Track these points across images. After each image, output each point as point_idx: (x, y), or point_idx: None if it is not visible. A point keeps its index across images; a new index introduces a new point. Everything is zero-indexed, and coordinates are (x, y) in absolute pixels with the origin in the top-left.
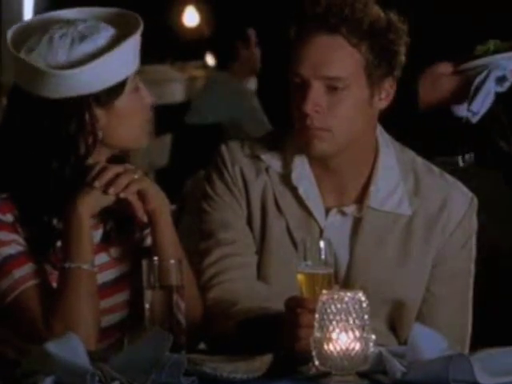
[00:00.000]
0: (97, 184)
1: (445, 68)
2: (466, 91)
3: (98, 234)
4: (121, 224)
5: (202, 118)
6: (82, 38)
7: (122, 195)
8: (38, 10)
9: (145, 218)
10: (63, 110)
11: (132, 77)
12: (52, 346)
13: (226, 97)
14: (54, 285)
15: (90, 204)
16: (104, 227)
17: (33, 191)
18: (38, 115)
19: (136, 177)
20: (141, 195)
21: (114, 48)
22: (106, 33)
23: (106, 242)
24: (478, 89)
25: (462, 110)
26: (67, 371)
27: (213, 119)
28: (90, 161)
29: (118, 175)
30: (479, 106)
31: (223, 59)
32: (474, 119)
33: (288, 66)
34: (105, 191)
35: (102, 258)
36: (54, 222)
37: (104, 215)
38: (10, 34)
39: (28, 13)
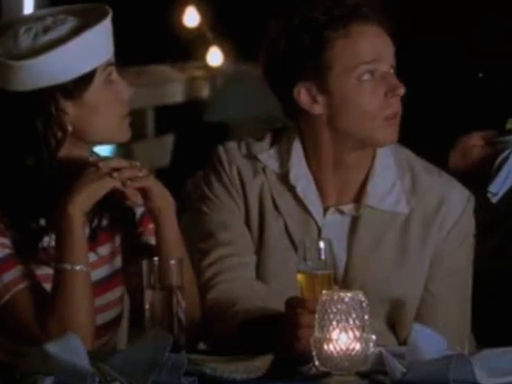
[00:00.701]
0: (101, 164)
1: (477, 140)
2: (493, 164)
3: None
4: (107, 221)
5: (224, 115)
6: (46, 29)
7: (128, 183)
8: (37, 8)
9: (139, 200)
10: (29, 103)
11: (103, 68)
12: (51, 347)
13: (248, 91)
14: (45, 285)
15: (81, 203)
16: (90, 226)
17: (13, 190)
18: (5, 110)
19: (140, 174)
20: (145, 193)
21: (77, 36)
22: (72, 23)
23: (92, 241)
24: (499, 168)
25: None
26: (67, 372)
27: (235, 115)
28: (65, 153)
29: (122, 168)
30: (499, 186)
31: (248, 50)
32: (494, 199)
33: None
34: (110, 174)
35: (90, 257)
36: (41, 221)
37: (90, 214)
38: None
39: (28, 10)
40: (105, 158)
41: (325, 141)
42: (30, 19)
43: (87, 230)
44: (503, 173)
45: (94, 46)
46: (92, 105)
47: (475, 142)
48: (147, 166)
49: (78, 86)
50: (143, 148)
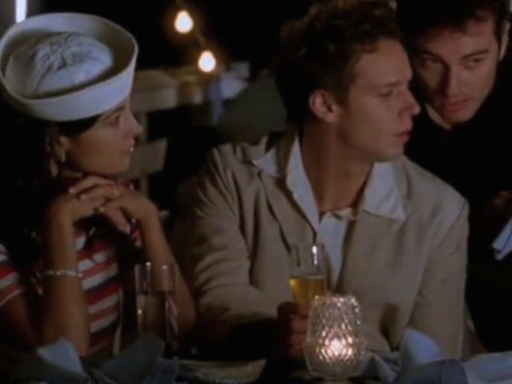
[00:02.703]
0: (72, 190)
1: (501, 198)
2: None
3: (80, 241)
4: (104, 229)
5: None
6: (62, 65)
7: (101, 209)
8: (30, 13)
9: (127, 229)
10: (27, 129)
11: (108, 114)
12: (44, 352)
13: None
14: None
15: (70, 211)
16: (86, 234)
17: (3, 201)
18: (7, 128)
19: (115, 192)
20: (123, 210)
21: (84, 89)
22: (89, 66)
23: (89, 249)
24: (505, 225)
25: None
26: (59, 377)
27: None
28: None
29: (95, 186)
30: (503, 243)
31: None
32: (499, 256)
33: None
34: (78, 197)
35: (85, 264)
36: (33, 234)
37: (86, 221)
38: (5, 39)
39: (20, 15)
40: (80, 178)
41: (331, 149)
42: (54, 39)
43: (83, 238)
44: (508, 230)
45: (101, 97)
46: (88, 143)
47: (498, 201)
48: (140, 171)
49: (76, 128)
50: (136, 153)
